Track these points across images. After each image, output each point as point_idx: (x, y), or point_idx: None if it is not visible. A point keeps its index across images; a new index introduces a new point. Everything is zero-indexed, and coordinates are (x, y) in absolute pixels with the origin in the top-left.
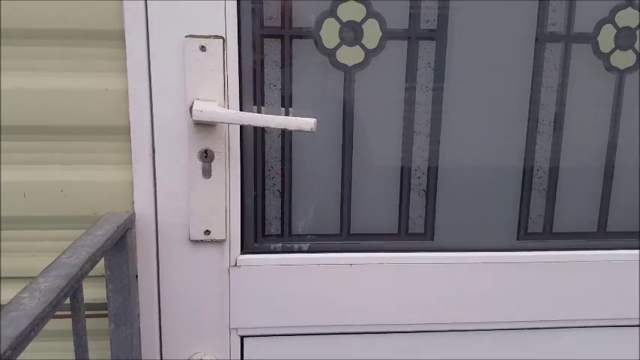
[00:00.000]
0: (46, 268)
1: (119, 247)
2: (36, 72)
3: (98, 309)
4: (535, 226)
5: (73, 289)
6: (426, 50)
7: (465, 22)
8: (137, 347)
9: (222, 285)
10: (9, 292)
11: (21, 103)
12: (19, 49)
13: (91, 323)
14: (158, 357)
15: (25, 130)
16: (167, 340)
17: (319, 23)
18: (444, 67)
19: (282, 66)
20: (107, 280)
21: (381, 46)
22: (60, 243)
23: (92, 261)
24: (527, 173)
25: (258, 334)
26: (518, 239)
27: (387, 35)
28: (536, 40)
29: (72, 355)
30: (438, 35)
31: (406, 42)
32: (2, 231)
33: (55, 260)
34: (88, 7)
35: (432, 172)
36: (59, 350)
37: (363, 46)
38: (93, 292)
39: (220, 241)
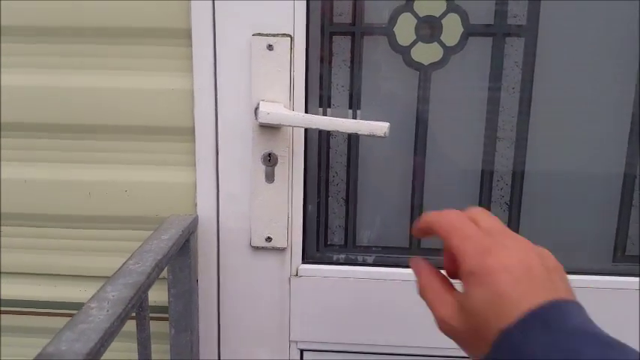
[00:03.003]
0: (114, 275)
1: (182, 251)
2: (102, 71)
3: (158, 312)
4: (634, 248)
5: (140, 299)
6: (513, 48)
7: (559, 18)
8: (196, 354)
9: (282, 295)
10: (73, 290)
11: (87, 102)
12: (86, 47)
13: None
14: None
15: (91, 129)
16: (225, 349)
17: (393, 19)
18: (533, 67)
19: (352, 65)
20: (169, 284)
21: (462, 43)
22: (123, 243)
23: (159, 268)
24: (628, 186)
25: (318, 349)
26: (614, 261)
27: (470, 31)
28: None
29: (128, 355)
30: (527, 31)
31: (491, 39)
32: (67, 230)
33: (121, 267)
34: (155, 6)
35: (517, 183)
36: (117, 350)
37: (441, 43)
38: (153, 294)
39: (281, 249)
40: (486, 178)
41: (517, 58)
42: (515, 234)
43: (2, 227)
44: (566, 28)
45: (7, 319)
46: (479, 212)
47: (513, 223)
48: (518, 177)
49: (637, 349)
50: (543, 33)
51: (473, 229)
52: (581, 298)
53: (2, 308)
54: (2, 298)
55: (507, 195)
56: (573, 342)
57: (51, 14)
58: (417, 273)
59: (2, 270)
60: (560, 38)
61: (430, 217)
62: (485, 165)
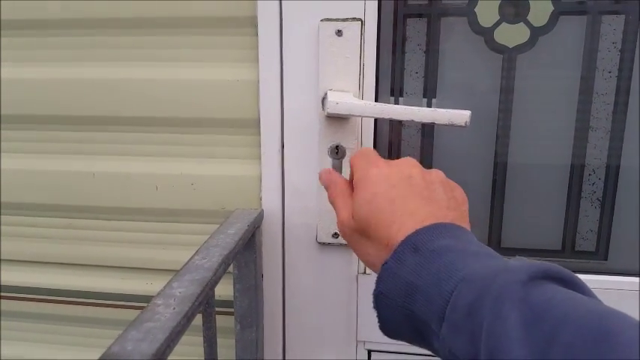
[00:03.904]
0: (180, 270)
1: (248, 245)
2: (167, 63)
3: (222, 306)
4: None
5: (207, 296)
6: (611, 27)
7: None
8: (261, 350)
9: (349, 293)
10: (140, 283)
11: (152, 94)
12: (150, 38)
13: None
14: None
15: (158, 122)
16: (290, 346)
17: None
18: (634, 49)
19: (427, 50)
20: (235, 279)
21: (551, 23)
22: (189, 236)
23: (225, 264)
24: None
25: (387, 349)
26: None
27: (561, 10)
28: None
29: (191, 350)
30: (628, 8)
31: (585, 17)
32: (135, 223)
33: (187, 262)
34: None
35: (611, 178)
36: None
37: (528, 24)
38: (218, 288)
39: (348, 246)
40: (576, 171)
41: (615, 38)
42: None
43: (70, 220)
44: None
45: (79, 311)
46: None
47: (605, 222)
48: (612, 171)
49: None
50: None
51: (375, 155)
52: None
53: (74, 300)
54: (73, 289)
55: (600, 190)
56: (439, 259)
57: (116, 7)
58: (328, 183)
59: (71, 262)
60: None
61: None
62: (575, 157)
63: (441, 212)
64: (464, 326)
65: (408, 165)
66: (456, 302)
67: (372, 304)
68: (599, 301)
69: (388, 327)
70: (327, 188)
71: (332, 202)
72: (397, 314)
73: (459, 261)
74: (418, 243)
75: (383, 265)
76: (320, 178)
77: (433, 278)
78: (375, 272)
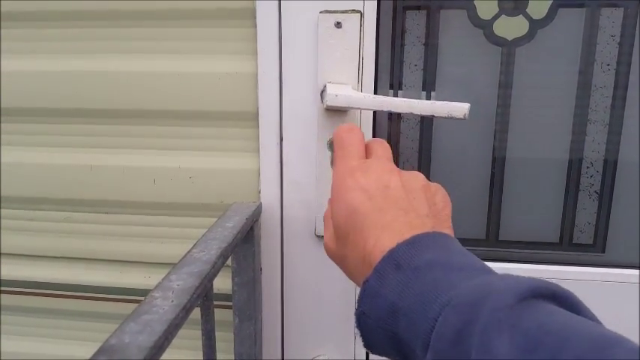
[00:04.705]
0: (178, 263)
1: (247, 239)
2: (163, 55)
3: (221, 299)
4: None
5: (205, 289)
6: (610, 20)
7: None
8: (260, 344)
9: (348, 286)
10: (138, 277)
11: (149, 87)
12: (147, 30)
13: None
14: (279, 355)
15: (155, 114)
16: (288, 340)
17: None
18: (632, 41)
19: (426, 42)
20: (233, 273)
21: (550, 16)
22: (187, 230)
23: (223, 257)
24: None
25: None
26: None
27: (560, 2)
28: None
29: (190, 343)
30: (627, 1)
31: (584, 10)
32: (132, 216)
33: (185, 255)
34: None
35: (609, 171)
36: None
37: (527, 16)
38: (216, 282)
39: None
40: (574, 164)
41: (614, 31)
42: (391, 165)
43: (67, 213)
44: None
45: (77, 304)
46: (378, 143)
47: (602, 214)
48: (610, 164)
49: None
50: None
51: (355, 152)
52: None
53: (71, 293)
54: (71, 283)
55: (598, 183)
56: (423, 277)
57: None
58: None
59: (68, 256)
60: None
61: (337, 130)
62: (573, 151)
63: (419, 220)
64: (450, 356)
65: (386, 172)
66: (441, 330)
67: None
68: (595, 320)
69: (372, 347)
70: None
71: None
72: (380, 335)
73: (444, 280)
74: (400, 259)
75: (364, 282)
76: None
77: (417, 299)
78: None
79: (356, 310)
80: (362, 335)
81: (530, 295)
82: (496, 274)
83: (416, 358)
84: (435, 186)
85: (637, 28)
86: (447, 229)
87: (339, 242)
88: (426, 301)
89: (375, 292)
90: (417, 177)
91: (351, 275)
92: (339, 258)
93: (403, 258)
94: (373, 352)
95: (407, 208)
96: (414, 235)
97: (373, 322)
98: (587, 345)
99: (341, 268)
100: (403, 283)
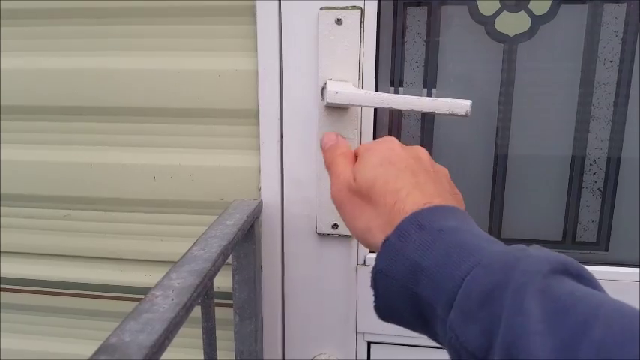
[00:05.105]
0: (178, 261)
1: (247, 237)
2: (163, 52)
3: (221, 297)
4: None
5: (206, 287)
6: (612, 16)
7: None
8: (260, 342)
9: (349, 284)
10: (138, 275)
11: (148, 84)
12: (145, 27)
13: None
14: (280, 353)
15: (155, 112)
16: (289, 337)
17: None
18: (635, 37)
19: (427, 39)
20: (233, 270)
21: (552, 12)
22: (187, 228)
23: (224, 254)
24: None
25: (387, 341)
26: None
27: None
28: None
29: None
30: None
31: (586, 6)
32: (132, 214)
33: (186, 252)
34: None
35: (612, 168)
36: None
37: (529, 12)
38: (217, 280)
39: (348, 237)
40: (577, 162)
41: (617, 27)
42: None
43: (67, 211)
44: None
45: (77, 302)
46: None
47: (606, 212)
48: (613, 161)
49: None
50: None
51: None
52: None
53: (71, 291)
54: (71, 281)
55: (601, 181)
56: (448, 238)
57: None
58: (330, 143)
59: (68, 253)
60: None
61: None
62: (576, 148)
63: (447, 195)
64: (477, 315)
65: (419, 150)
66: (469, 288)
67: (372, 296)
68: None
69: (385, 308)
70: (326, 150)
71: (330, 164)
72: (398, 295)
73: (471, 243)
74: (424, 221)
75: (385, 240)
76: (322, 139)
77: (442, 260)
78: (372, 248)
79: (373, 267)
80: (376, 295)
81: (562, 270)
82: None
83: (435, 318)
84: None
85: (639, 24)
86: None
87: (361, 189)
88: (452, 261)
89: (396, 251)
90: (443, 168)
91: (364, 228)
92: (355, 203)
93: (427, 220)
94: (384, 316)
95: (435, 180)
96: (441, 204)
97: (391, 281)
98: (617, 315)
99: (351, 217)
100: (427, 243)
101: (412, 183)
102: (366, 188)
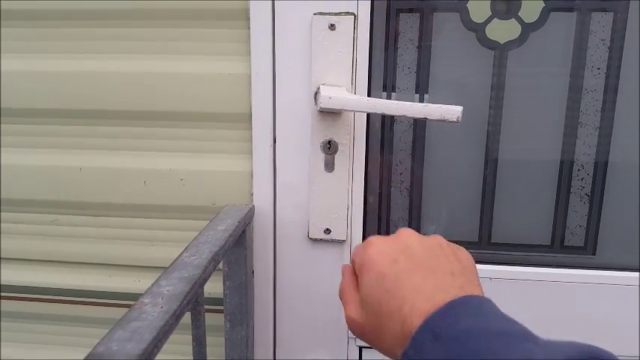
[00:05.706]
0: (168, 268)
1: (239, 242)
2: (155, 55)
3: (212, 304)
4: None
5: (196, 294)
6: (600, 24)
7: None
8: (251, 348)
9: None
10: (127, 281)
11: (140, 88)
12: (138, 30)
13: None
14: (272, 359)
15: (146, 116)
16: (281, 344)
17: None
18: (622, 45)
19: (419, 45)
20: (224, 276)
21: (542, 20)
22: (178, 233)
23: (215, 261)
24: None
25: None
26: None
27: (551, 6)
28: None
29: (181, 348)
30: (617, 6)
31: (575, 14)
32: (122, 219)
33: (176, 259)
34: None
35: (599, 174)
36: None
37: (519, 20)
38: (207, 286)
39: (341, 242)
40: (566, 167)
41: (604, 35)
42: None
43: (55, 216)
44: None
45: (65, 309)
46: None
47: (593, 217)
48: (601, 167)
49: None
50: (635, 7)
51: (371, 238)
52: None
53: (59, 298)
54: (59, 287)
55: (589, 186)
56: (462, 349)
57: None
58: (342, 277)
59: (56, 259)
60: None
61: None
62: (564, 153)
63: (447, 280)
64: None
65: (405, 235)
66: None
67: None
68: None
69: None
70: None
71: (340, 298)
72: None
73: (484, 350)
74: (437, 329)
75: (403, 355)
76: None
77: None
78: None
79: None
80: None
81: None
82: (536, 339)
83: None
84: (455, 245)
85: (626, 32)
86: (477, 288)
87: (370, 314)
88: None
89: None
90: (435, 237)
91: (387, 345)
92: (370, 328)
93: (440, 326)
94: None
95: (433, 266)
96: (449, 302)
97: None
98: None
99: (372, 341)
100: (443, 354)
101: (412, 289)
102: (374, 316)
